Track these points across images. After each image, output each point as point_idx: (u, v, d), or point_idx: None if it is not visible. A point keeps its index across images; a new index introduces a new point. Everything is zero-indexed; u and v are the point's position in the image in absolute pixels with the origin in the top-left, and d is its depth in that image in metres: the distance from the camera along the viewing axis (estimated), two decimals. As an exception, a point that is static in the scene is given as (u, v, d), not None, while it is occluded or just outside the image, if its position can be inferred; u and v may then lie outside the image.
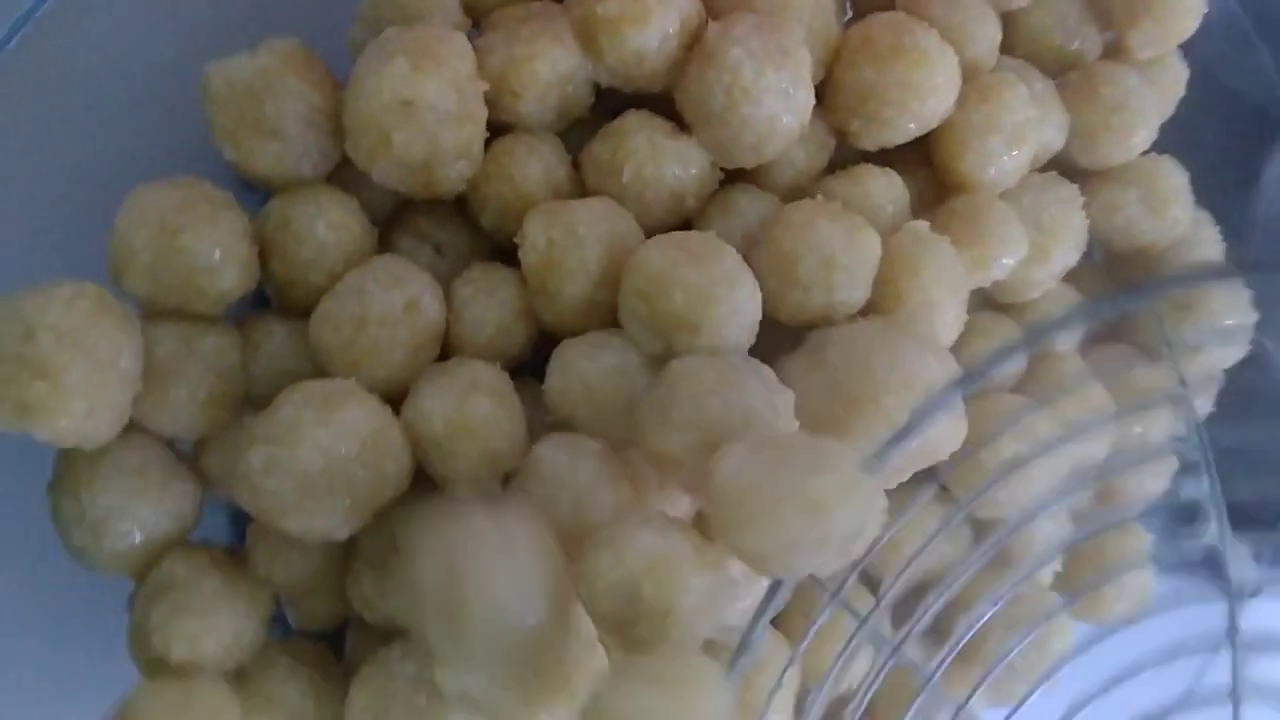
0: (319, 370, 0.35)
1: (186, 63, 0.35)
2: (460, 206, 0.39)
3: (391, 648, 0.34)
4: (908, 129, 0.39)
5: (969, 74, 0.40)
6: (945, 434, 0.35)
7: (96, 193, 0.35)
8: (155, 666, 0.33)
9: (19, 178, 0.38)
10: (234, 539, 0.38)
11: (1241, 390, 0.45)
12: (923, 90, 0.38)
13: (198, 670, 0.33)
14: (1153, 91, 0.44)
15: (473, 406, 0.33)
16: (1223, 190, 0.45)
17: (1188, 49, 0.45)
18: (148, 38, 0.35)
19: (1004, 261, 0.40)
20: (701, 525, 0.31)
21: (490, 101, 0.36)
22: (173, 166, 0.36)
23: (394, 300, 0.34)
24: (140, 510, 0.34)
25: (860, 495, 0.28)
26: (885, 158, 0.41)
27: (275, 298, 0.37)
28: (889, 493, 0.31)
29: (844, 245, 0.35)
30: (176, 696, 0.32)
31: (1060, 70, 0.44)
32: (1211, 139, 0.47)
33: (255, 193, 0.37)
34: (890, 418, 0.33)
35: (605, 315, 0.35)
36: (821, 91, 0.40)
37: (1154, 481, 0.45)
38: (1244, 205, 0.47)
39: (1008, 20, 0.44)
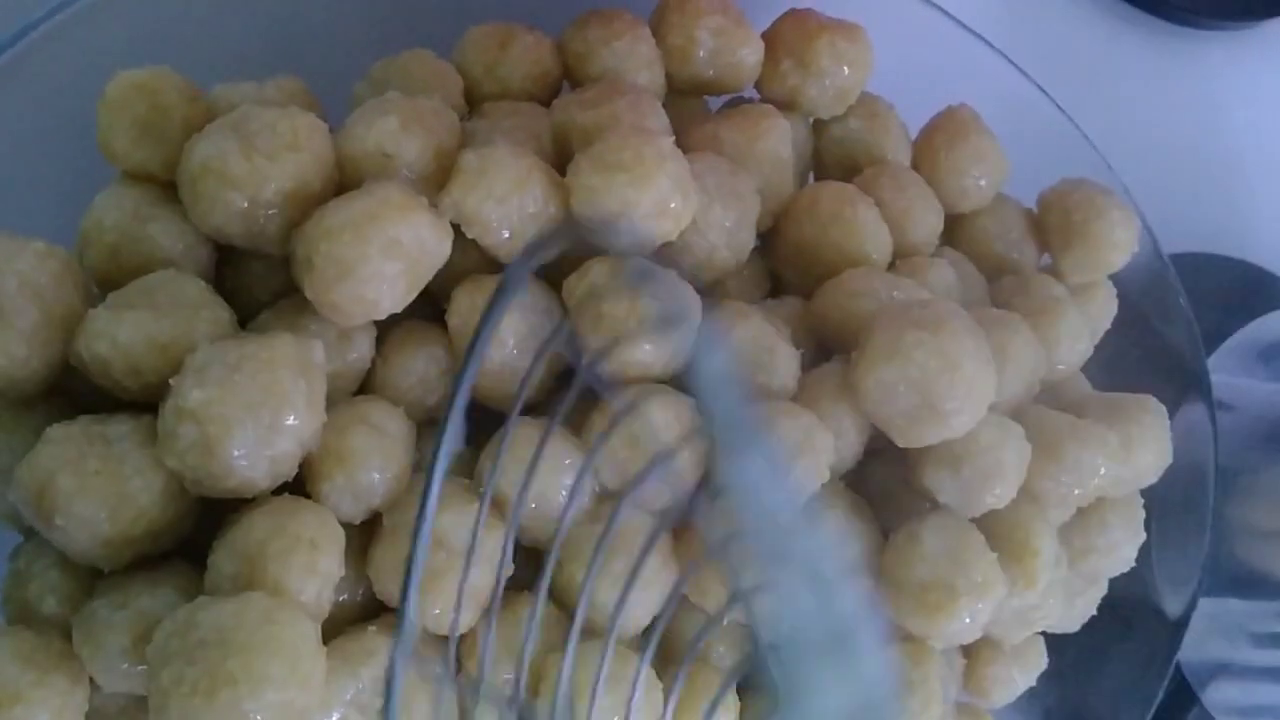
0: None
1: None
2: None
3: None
4: (834, 290, 0.43)
5: (905, 254, 0.44)
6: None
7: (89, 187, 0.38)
8: (23, 614, 0.35)
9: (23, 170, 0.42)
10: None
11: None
12: (852, 257, 0.42)
13: (62, 627, 0.34)
14: (1081, 309, 0.47)
15: (349, 438, 0.35)
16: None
17: (1121, 296, 0.49)
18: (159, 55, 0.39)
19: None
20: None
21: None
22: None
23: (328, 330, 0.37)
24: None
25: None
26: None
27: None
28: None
29: None
30: (29, 646, 0.33)
31: (997, 275, 0.48)
32: (1136, 380, 0.50)
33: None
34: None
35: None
36: (768, 238, 0.44)
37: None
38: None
39: (957, 220, 0.48)
